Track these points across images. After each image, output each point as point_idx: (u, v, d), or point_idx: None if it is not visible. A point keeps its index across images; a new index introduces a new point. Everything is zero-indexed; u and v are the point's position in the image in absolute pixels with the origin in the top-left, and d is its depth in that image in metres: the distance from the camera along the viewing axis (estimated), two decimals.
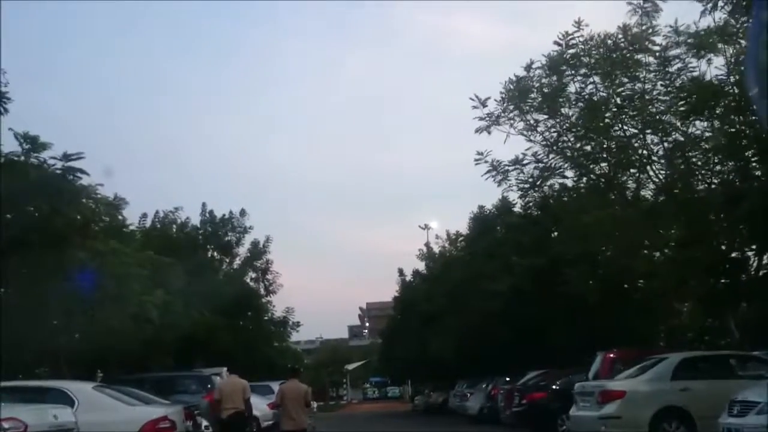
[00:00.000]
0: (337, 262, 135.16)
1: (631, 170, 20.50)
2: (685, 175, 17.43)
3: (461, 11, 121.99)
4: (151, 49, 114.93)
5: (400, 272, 45.92)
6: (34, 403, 9.37)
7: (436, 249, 44.76)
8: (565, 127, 18.37)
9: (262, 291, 41.05)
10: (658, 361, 14.29)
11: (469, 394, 31.19)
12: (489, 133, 18.13)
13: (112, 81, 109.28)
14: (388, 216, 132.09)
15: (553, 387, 19.90)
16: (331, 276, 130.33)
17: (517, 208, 30.95)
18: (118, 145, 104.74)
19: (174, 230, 35.73)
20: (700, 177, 18.02)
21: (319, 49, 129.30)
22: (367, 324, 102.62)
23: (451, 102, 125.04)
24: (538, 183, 19.43)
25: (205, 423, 16.40)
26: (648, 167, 19.97)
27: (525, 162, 19.08)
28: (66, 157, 14.24)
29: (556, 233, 27.80)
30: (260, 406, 26.19)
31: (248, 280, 40.62)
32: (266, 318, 41.59)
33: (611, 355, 17.45)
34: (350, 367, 79.09)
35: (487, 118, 18.18)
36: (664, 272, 18.42)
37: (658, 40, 18.99)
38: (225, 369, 19.52)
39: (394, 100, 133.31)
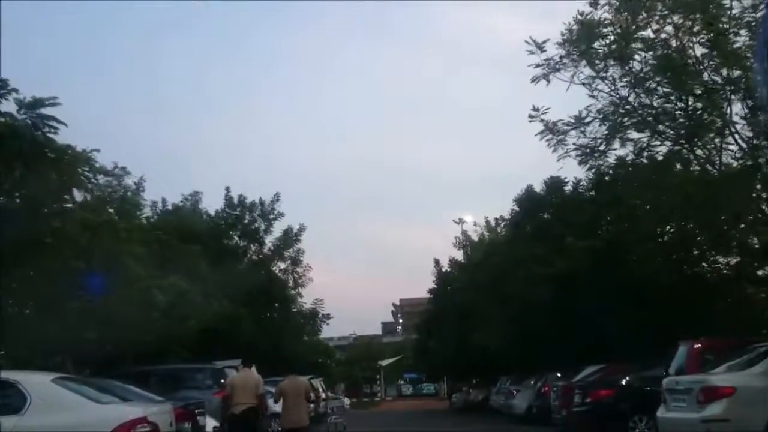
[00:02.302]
0: (371, 259, 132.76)
1: (710, 135, 17.61)
2: None
3: (496, 8, 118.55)
4: (192, 50, 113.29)
5: (437, 263, 43.11)
6: None
7: (475, 237, 41.94)
8: (638, 77, 15.48)
9: (291, 283, 38.66)
10: None
11: (515, 392, 28.35)
12: (548, 81, 15.39)
13: (147, 83, 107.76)
14: (420, 213, 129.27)
15: (622, 383, 17.06)
16: (364, 273, 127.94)
17: (568, 187, 28.17)
18: (159, 144, 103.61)
19: (196, 215, 33.34)
20: None
21: (353, 48, 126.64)
22: (401, 320, 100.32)
23: (485, 99, 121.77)
24: (600, 147, 16.57)
25: (214, 423, 14.04)
26: (730, 127, 17.08)
27: (587, 120, 16.27)
28: (37, 102, 11.66)
29: (612, 214, 24.94)
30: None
31: (277, 271, 38.27)
32: (294, 310, 39.23)
33: (698, 346, 14.57)
34: (384, 362, 76.54)
35: (545, 65, 15.41)
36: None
37: None
38: (240, 362, 17.41)
39: (428, 98, 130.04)
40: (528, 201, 28.97)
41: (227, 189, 36.42)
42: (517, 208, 30.82)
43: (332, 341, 78.33)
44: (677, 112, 16.14)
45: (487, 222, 40.67)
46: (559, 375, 24.09)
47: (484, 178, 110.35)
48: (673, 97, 15.72)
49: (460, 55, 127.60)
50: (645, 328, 22.08)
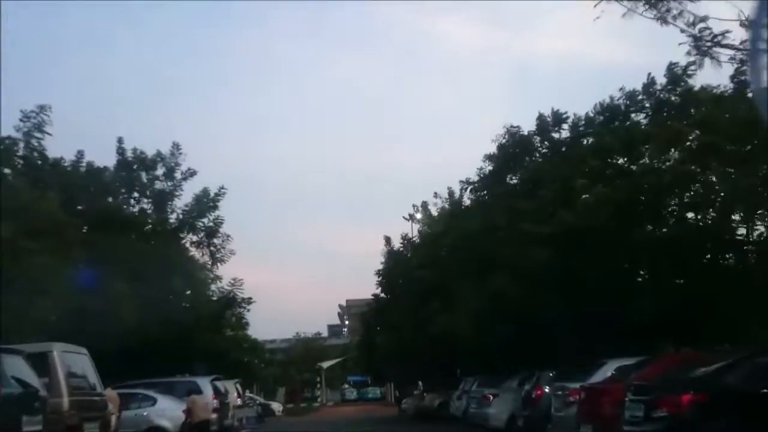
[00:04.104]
0: (318, 261, 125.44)
1: None
2: None
3: (445, 13, 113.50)
4: (140, 52, 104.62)
5: (387, 241, 35.66)
6: None
7: (435, 211, 34.73)
8: None
9: (207, 258, 30.79)
10: None
11: (491, 397, 21.28)
12: None
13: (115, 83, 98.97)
14: (371, 217, 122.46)
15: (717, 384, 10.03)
16: (311, 275, 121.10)
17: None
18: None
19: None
20: None
21: (305, 49, 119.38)
22: (347, 321, 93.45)
23: (436, 104, 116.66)
24: None
25: None
26: None
27: None
28: None
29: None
30: (172, 412, 16.87)
31: (188, 244, 30.51)
32: (214, 298, 31.45)
33: None
34: (326, 364, 68.96)
35: None
36: None
37: None
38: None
39: (377, 101, 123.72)
40: (513, 146, 21.85)
41: (120, 140, 28.52)
42: (491, 166, 23.65)
43: (274, 343, 71.09)
44: None
45: (451, 193, 33.24)
46: (552, 374, 17.85)
47: (437, 184, 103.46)
48: None
49: (410, 60, 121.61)
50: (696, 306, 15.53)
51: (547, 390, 17.83)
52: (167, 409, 17.51)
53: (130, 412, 17.48)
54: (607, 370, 14.78)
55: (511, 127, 21.83)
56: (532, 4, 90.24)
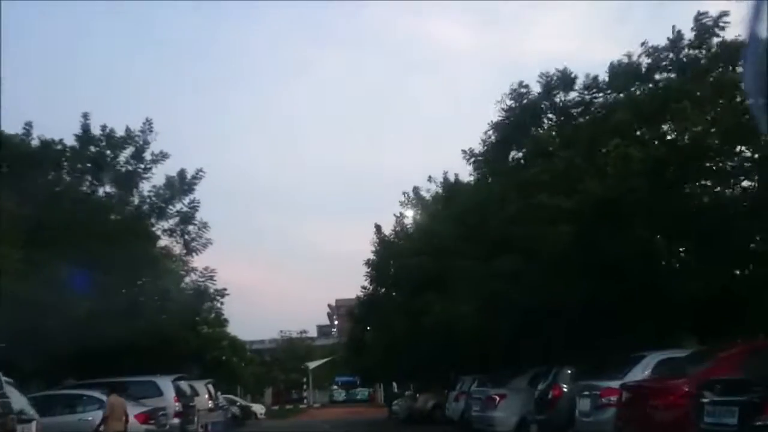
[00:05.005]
0: (308, 261, 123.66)
1: None
2: None
3: (437, 13, 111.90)
4: (117, 46, 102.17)
5: (378, 229, 32.92)
6: None
7: (428, 197, 31.99)
8: None
9: (181, 246, 27.87)
10: None
11: (498, 398, 18.51)
12: None
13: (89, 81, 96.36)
14: (362, 217, 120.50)
15: None
16: (300, 275, 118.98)
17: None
18: None
19: None
20: None
21: (291, 47, 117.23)
22: (336, 322, 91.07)
23: (424, 104, 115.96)
24: None
25: None
26: None
27: None
28: None
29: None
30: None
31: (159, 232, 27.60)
32: (190, 292, 28.54)
33: None
34: (313, 365, 66.17)
35: None
36: None
37: None
38: None
39: (367, 101, 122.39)
40: (522, 112, 19.09)
41: (85, 116, 25.41)
42: (494, 137, 20.90)
43: (263, 344, 68.55)
44: None
45: (445, 178, 30.47)
46: (570, 372, 15.64)
47: (423, 182, 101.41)
48: None
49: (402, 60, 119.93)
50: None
51: (565, 389, 15.48)
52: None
53: (73, 417, 14.96)
54: (647, 366, 12.25)
55: (521, 85, 18.98)
56: (526, 5, 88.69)
